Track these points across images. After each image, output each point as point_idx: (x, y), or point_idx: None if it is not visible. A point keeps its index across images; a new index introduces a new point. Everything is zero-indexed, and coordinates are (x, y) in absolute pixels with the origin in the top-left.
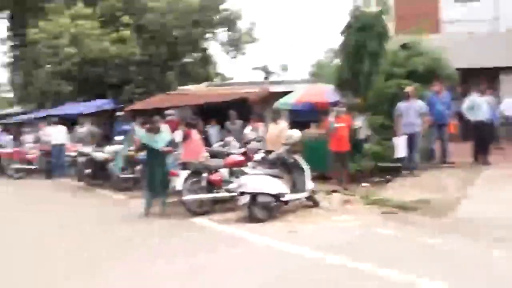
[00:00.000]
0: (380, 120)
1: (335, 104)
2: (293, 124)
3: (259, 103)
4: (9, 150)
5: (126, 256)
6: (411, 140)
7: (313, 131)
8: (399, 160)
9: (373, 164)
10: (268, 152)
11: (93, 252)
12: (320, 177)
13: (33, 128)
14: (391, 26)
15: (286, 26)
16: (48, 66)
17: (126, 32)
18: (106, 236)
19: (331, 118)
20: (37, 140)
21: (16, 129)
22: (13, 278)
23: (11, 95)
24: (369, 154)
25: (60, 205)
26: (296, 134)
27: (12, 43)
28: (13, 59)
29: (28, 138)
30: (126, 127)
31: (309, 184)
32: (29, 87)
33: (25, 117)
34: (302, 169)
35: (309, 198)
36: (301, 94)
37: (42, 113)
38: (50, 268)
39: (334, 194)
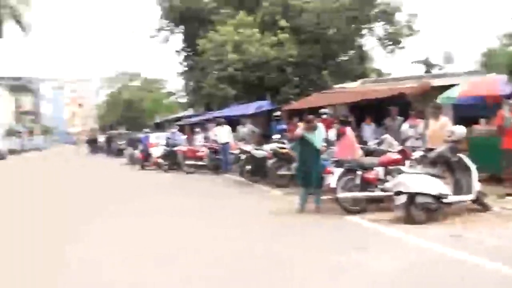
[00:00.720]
0: None
1: (509, 96)
2: (458, 120)
3: (418, 99)
4: (183, 148)
5: (277, 248)
6: None
7: (482, 127)
8: None
9: None
10: (429, 150)
11: (244, 242)
12: (491, 179)
13: (202, 128)
14: None
15: (451, 12)
16: (215, 72)
17: (285, 35)
18: (259, 229)
19: (506, 112)
20: (206, 139)
21: (188, 130)
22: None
23: (184, 100)
24: None
25: (222, 197)
26: (459, 130)
27: (185, 54)
28: (186, 68)
29: (198, 137)
30: (282, 126)
31: (476, 186)
32: (199, 92)
33: (195, 119)
34: (467, 169)
35: (476, 201)
36: (467, 86)
37: (210, 115)
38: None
39: (508, 197)
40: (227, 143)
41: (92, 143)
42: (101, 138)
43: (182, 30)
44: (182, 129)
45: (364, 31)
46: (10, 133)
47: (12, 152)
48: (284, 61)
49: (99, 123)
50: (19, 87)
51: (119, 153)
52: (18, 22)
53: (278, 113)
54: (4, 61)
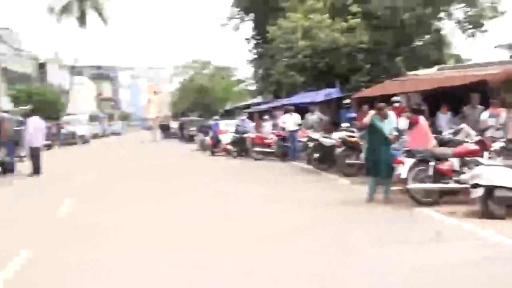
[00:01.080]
0: None
1: None
2: None
3: (501, 86)
4: (252, 135)
5: (341, 239)
6: None
7: None
8: None
9: None
10: (510, 141)
11: (313, 233)
12: None
13: (271, 116)
14: None
15: None
16: (284, 59)
17: (356, 21)
18: (327, 219)
19: None
20: (274, 127)
21: (257, 117)
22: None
23: (254, 87)
24: None
25: (289, 185)
26: None
27: (255, 42)
28: (255, 56)
29: (267, 124)
30: (352, 114)
31: None
32: (267, 80)
33: (264, 106)
34: None
35: None
36: None
37: (278, 102)
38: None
39: None
40: (295, 130)
41: (164, 129)
42: (174, 124)
43: (252, 18)
44: (251, 116)
45: (441, 14)
46: (93, 119)
47: (94, 136)
48: (355, 48)
49: (172, 109)
50: (100, 75)
51: (190, 139)
52: (99, 13)
53: (348, 100)
54: (86, 51)
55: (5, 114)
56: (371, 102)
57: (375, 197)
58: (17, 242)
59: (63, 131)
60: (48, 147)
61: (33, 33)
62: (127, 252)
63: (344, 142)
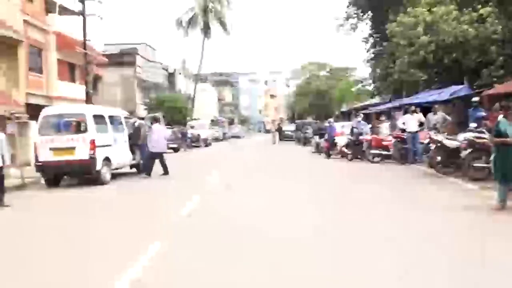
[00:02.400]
0: None
1: None
2: None
3: None
4: (368, 137)
5: (476, 249)
6: None
7: None
8: None
9: None
10: None
11: (444, 242)
12: None
13: (388, 116)
14: None
15: None
16: (405, 57)
17: (487, 9)
18: (453, 223)
19: None
20: (392, 128)
21: (374, 118)
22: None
23: (371, 87)
24: None
25: (409, 189)
26: None
27: (372, 40)
28: (373, 55)
29: (384, 126)
30: (481, 113)
31: None
32: (386, 79)
33: (383, 106)
34: None
35: None
36: None
37: (398, 102)
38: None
39: None
40: (417, 131)
41: (280, 131)
42: (291, 127)
43: (370, 16)
44: (367, 118)
45: None
46: (214, 123)
47: (216, 139)
48: (487, 39)
49: (288, 112)
50: (221, 81)
51: (306, 141)
52: (221, 23)
53: (477, 98)
54: (209, 58)
55: (141, 121)
56: (506, 99)
57: (506, 204)
58: (147, 235)
59: (188, 135)
60: (175, 150)
61: (164, 45)
62: (252, 246)
63: (471, 144)
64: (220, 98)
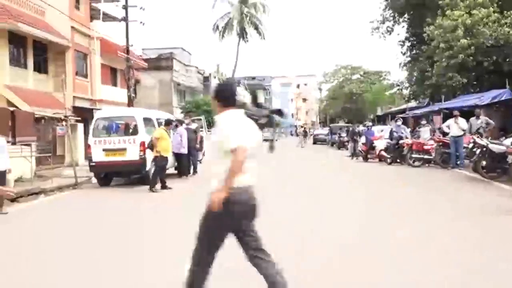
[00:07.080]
0: None
1: None
2: None
3: None
4: (408, 141)
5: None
6: None
7: None
8: None
9: None
10: None
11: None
12: None
13: (428, 120)
14: None
15: None
16: (443, 60)
17: None
18: (503, 229)
19: None
20: (433, 132)
21: (413, 122)
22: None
23: (407, 91)
24: None
25: (453, 194)
26: None
27: (409, 44)
28: (409, 58)
29: (424, 130)
30: None
31: None
32: (424, 83)
33: (421, 110)
34: None
35: None
36: None
37: (437, 106)
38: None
39: None
40: (460, 136)
41: (305, 135)
42: (324, 131)
43: (407, 19)
44: (405, 122)
45: None
46: None
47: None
48: None
49: (320, 116)
50: (254, 85)
51: (340, 144)
52: (256, 28)
53: None
54: (244, 62)
55: (197, 124)
56: None
57: None
58: None
59: None
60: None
61: (199, 49)
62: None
63: None
64: (252, 102)
